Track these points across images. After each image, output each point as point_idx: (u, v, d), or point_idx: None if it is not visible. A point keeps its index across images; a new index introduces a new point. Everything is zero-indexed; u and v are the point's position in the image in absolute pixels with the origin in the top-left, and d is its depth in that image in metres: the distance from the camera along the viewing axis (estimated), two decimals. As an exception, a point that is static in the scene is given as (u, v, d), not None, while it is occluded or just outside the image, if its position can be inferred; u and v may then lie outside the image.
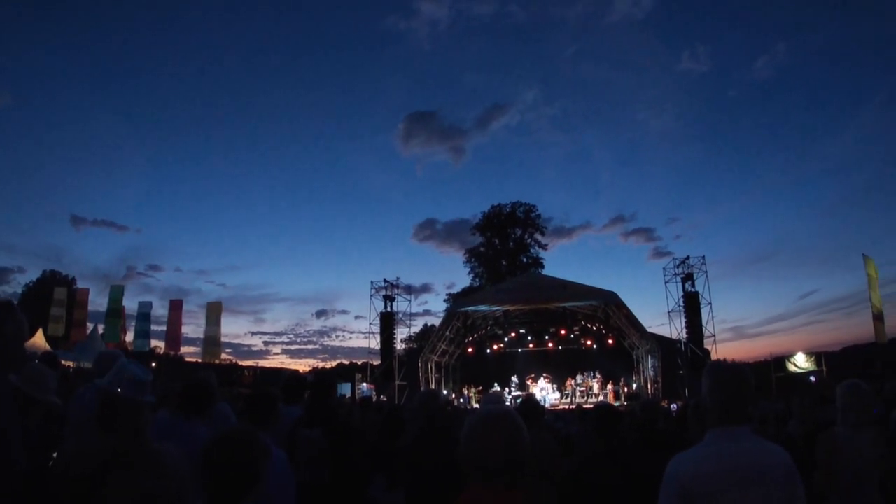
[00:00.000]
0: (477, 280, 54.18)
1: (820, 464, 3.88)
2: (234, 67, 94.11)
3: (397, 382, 27.01)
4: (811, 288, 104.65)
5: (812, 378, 25.88)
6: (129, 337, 32.12)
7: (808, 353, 28.74)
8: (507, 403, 22.05)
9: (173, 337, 30.59)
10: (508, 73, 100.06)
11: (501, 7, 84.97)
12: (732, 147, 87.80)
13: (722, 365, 2.63)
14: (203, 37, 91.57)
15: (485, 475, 1.84)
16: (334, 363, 76.34)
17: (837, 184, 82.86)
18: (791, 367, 28.49)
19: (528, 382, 28.38)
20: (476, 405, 23.50)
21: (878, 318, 24.47)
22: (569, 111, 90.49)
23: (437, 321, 44.34)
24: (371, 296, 28.67)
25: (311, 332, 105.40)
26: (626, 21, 79.35)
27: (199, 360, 30.51)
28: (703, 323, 25.59)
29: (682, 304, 26.36)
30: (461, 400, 26.91)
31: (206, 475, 2.01)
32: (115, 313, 29.71)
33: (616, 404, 22.49)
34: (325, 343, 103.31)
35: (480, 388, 28.39)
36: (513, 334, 31.37)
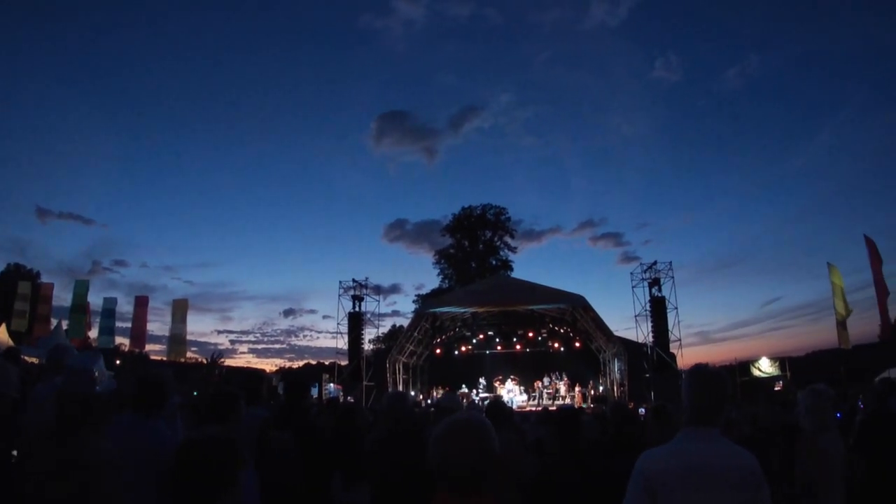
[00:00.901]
0: (446, 281, 54.21)
1: (799, 463, 3.97)
2: (206, 63, 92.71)
3: (365, 383, 26.81)
4: (776, 294, 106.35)
5: (777, 383, 26.35)
6: (94, 333, 31.44)
7: (773, 358, 29.25)
8: (476, 404, 22.09)
9: (138, 334, 30.04)
10: (483, 76, 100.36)
11: (478, 9, 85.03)
12: (702, 155, 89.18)
13: (696, 369, 2.68)
14: (175, 32, 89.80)
15: (452, 483, 1.81)
16: (301, 363, 75.59)
17: (803, 194, 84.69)
18: (755, 372, 28.97)
19: (496, 384, 28.47)
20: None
21: (842, 324, 24.97)
22: (542, 115, 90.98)
23: (405, 322, 44.22)
24: (339, 295, 28.45)
25: (278, 331, 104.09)
26: (601, 28, 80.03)
27: (164, 359, 29.96)
28: (670, 327, 25.97)
29: (648, 308, 26.67)
30: (428, 401, 26.87)
31: (178, 478, 1.94)
32: (79, 309, 28.88)
33: (583, 407, 22.71)
34: (293, 342, 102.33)
35: (448, 388, 28.37)
36: (481, 336, 31.37)
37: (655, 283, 26.56)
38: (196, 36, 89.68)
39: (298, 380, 4.97)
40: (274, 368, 57.74)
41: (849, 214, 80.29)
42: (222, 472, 1.95)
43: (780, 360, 28.99)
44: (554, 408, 19.98)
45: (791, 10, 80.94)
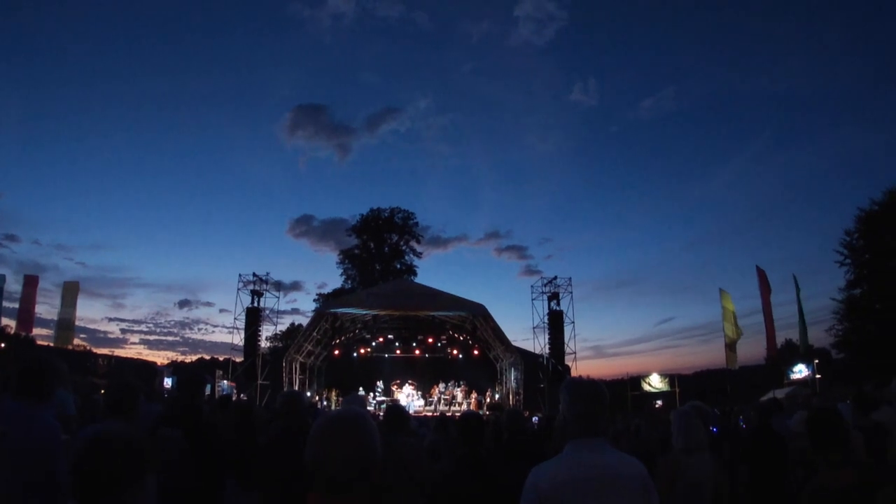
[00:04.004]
0: (349, 282, 53.61)
1: (658, 486, 4.11)
2: (113, 37, 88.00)
3: (260, 382, 26.08)
4: (669, 315, 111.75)
5: (658, 402, 27.54)
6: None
7: (663, 375, 30.72)
8: (371, 408, 21.95)
9: (26, 316, 28.13)
10: (405, 79, 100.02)
11: (408, 12, 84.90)
12: (609, 179, 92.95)
13: (578, 381, 2.72)
14: (87, 8, 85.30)
15: (329, 483, 1.74)
16: (194, 357, 72.85)
17: (703, 222, 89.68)
18: (646, 387, 30.34)
19: (394, 388, 28.49)
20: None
21: (731, 346, 26.49)
22: (458, 124, 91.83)
23: (304, 321, 43.49)
24: (238, 289, 27.54)
25: (172, 322, 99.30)
26: (527, 46, 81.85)
27: (51, 344, 28.15)
28: (566, 340, 26.77)
29: (546, 321, 27.41)
30: (323, 403, 26.51)
31: (80, 476, 1.81)
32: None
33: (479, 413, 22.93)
34: (186, 335, 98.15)
35: (337, 391, 28.13)
36: (380, 339, 31.29)
37: (555, 296, 27.36)
38: (105, 7, 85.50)
39: (194, 374, 4.76)
40: (165, 361, 55.53)
41: (743, 245, 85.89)
42: (129, 472, 1.84)
43: (670, 376, 30.49)
44: (450, 414, 20.10)
45: (707, 50, 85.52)
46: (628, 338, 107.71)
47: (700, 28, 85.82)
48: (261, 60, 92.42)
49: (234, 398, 20.02)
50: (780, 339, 27.35)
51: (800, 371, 26.61)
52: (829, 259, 27.74)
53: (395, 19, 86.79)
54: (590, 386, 2.65)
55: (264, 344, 30.12)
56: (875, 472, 2.79)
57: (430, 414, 24.20)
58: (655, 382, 30.33)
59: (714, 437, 7.93)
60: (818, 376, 25.24)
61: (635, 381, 31.18)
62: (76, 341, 31.99)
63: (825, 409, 3.34)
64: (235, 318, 27.57)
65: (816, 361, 25.96)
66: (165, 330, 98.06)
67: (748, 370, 33.95)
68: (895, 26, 76.61)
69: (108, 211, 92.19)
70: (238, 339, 27.26)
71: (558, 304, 27.26)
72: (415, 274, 53.20)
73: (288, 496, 4.19)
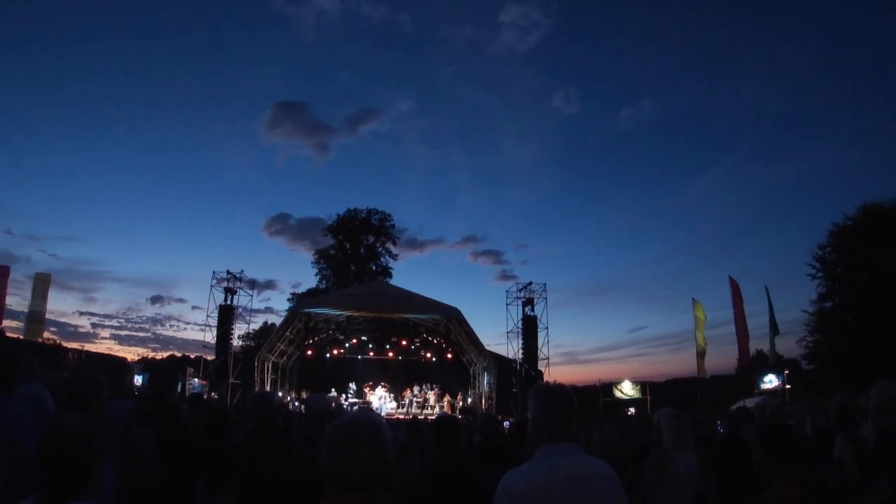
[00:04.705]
0: (324, 282, 53.34)
1: (645, 478, 4.14)
2: (94, 32, 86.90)
3: (231, 381, 25.78)
4: (643, 323, 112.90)
5: (631, 409, 27.78)
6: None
7: (635, 382, 31.06)
8: (345, 409, 21.81)
9: (-4, 308, 27.36)
10: (386, 80, 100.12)
11: (392, 14, 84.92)
12: (586, 187, 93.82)
13: (548, 387, 2.75)
14: (65, 1, 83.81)
15: (345, 486, 1.74)
16: (166, 354, 71.99)
17: (678, 233, 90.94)
18: (618, 394, 30.66)
19: (366, 390, 28.38)
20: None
21: (702, 355, 26.81)
22: (438, 128, 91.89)
23: (278, 320, 43.20)
24: (212, 286, 27.28)
25: (143, 318, 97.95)
26: (509, 52, 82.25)
27: (21, 337, 27.51)
28: (539, 346, 26.91)
29: (521, 326, 27.59)
30: (295, 403, 26.32)
31: (39, 466, 1.84)
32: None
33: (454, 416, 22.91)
34: (158, 332, 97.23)
35: (312, 391, 27.91)
36: (354, 341, 31.16)
37: (529, 302, 27.52)
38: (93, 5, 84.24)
39: (166, 372, 4.69)
40: (136, 358, 54.77)
41: (716, 256, 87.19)
42: (84, 464, 1.85)
43: (642, 384, 30.83)
44: (422, 417, 20.08)
45: (687, 64, 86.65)
46: (601, 345, 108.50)
47: (681, 41, 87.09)
48: (242, 56, 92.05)
49: (204, 397, 19.78)
50: (751, 350, 27.72)
51: (770, 381, 27.04)
52: (802, 272, 28.32)
53: (379, 20, 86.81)
54: (559, 391, 2.67)
55: (236, 342, 29.73)
56: (822, 487, 2.82)
57: (402, 417, 24.12)
58: (627, 389, 30.66)
59: (695, 443, 8.04)
60: (788, 386, 25.66)
61: (607, 387, 31.48)
62: (46, 335, 31.41)
63: (776, 423, 3.39)
64: (208, 316, 27.34)
65: (787, 372, 26.39)
66: (137, 325, 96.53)
67: (719, 379, 34.41)
68: (870, 45, 78.08)
69: (82, 203, 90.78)
70: (210, 336, 27.10)
71: (532, 309, 27.46)
72: (390, 276, 53.15)
73: (260, 496, 4.14)
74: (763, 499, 2.93)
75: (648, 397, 29.61)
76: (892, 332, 22.91)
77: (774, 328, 23.77)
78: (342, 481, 1.74)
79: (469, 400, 28.95)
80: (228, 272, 27.45)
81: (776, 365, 27.07)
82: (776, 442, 3.07)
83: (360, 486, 1.73)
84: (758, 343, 36.72)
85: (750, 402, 21.98)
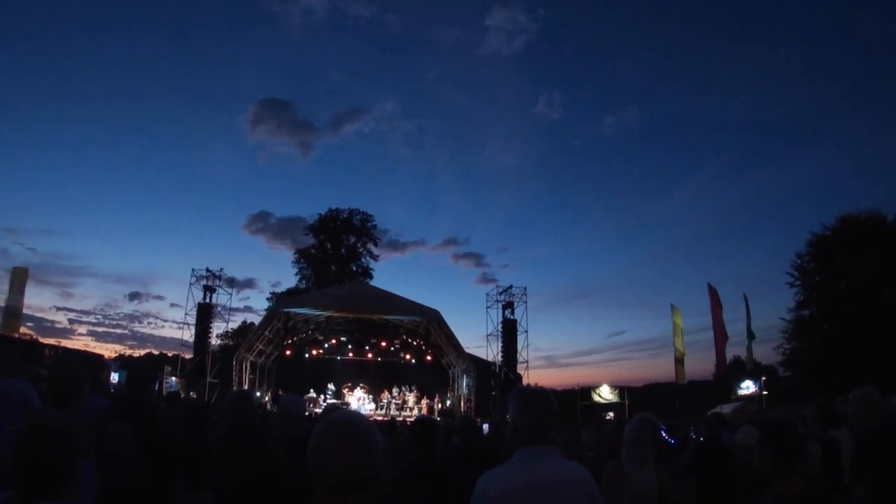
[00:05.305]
0: (304, 282, 53.07)
1: (604, 488, 4.16)
2: (75, 25, 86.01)
3: (209, 380, 25.47)
4: (622, 328, 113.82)
5: (610, 413, 27.95)
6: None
7: (613, 387, 31.30)
8: (319, 410, 21.66)
9: (-29, 301, 26.91)
10: (372, 81, 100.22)
11: (380, 14, 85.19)
12: (568, 192, 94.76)
13: (529, 389, 2.77)
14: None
15: (336, 487, 1.71)
16: (143, 351, 71.43)
17: (658, 239, 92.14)
18: (596, 398, 30.84)
19: (345, 391, 28.27)
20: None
21: (680, 361, 27.06)
22: (423, 129, 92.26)
23: (257, 319, 42.97)
24: (191, 284, 27.03)
25: (121, 314, 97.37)
26: (495, 56, 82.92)
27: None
28: (519, 349, 27.05)
29: (500, 329, 27.68)
30: (273, 403, 26.17)
31: (16, 462, 1.80)
32: None
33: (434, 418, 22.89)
34: (136, 329, 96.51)
35: (282, 391, 27.73)
36: (333, 341, 31.06)
37: (509, 305, 27.63)
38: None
39: (144, 370, 4.63)
40: (113, 355, 54.22)
41: (696, 263, 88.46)
42: (61, 463, 1.81)
43: (620, 388, 31.08)
44: (401, 418, 20.04)
45: (672, 71, 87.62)
46: (580, 349, 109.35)
47: (665, 49, 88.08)
48: (227, 53, 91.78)
49: (182, 395, 19.57)
50: (729, 356, 28.03)
51: (747, 387, 27.33)
52: (780, 280, 28.63)
53: (367, 19, 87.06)
54: (540, 394, 2.68)
55: (215, 341, 29.43)
56: (822, 484, 2.86)
57: (380, 418, 24.05)
58: (605, 394, 30.87)
59: (673, 448, 8.08)
60: (765, 393, 25.94)
61: (586, 391, 31.67)
62: (23, 329, 30.99)
63: (780, 421, 3.41)
64: (186, 314, 27.05)
65: (764, 378, 26.69)
66: (114, 322, 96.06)
67: (697, 385, 34.73)
68: (853, 57, 79.41)
69: (62, 197, 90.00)
70: (188, 334, 26.80)
71: (513, 312, 27.57)
72: (371, 277, 53.01)
73: (237, 496, 4.10)
74: (767, 494, 2.96)
75: (627, 402, 29.83)
76: (869, 340, 23.24)
77: (751, 334, 24.03)
78: (335, 481, 1.71)
79: (448, 402, 28.96)
80: (208, 270, 27.21)
81: (753, 371, 27.38)
82: (777, 441, 3.10)
83: (354, 486, 1.70)
84: (736, 349, 37.16)
85: (727, 408, 22.19)
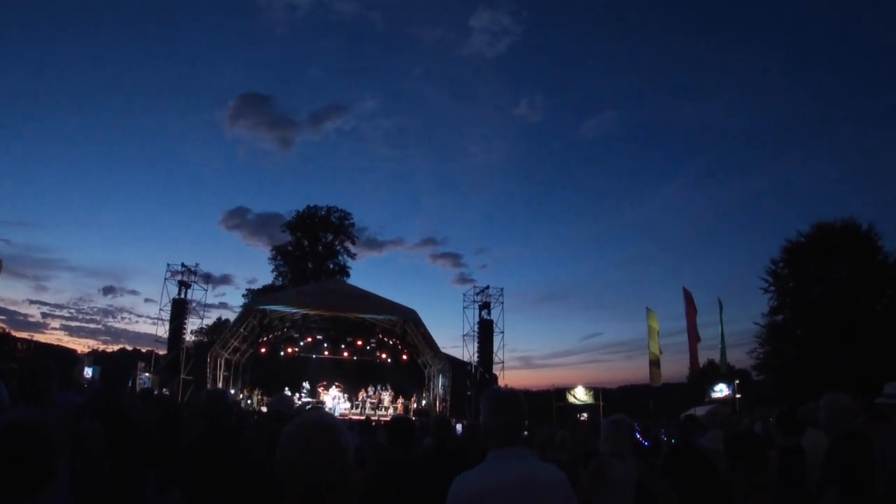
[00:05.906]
0: (280, 279, 52.72)
1: (584, 485, 4.20)
2: (52, 16, 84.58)
3: (183, 376, 25.11)
4: (597, 330, 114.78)
5: (584, 414, 28.14)
6: None
7: (588, 388, 31.49)
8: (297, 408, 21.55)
9: (-55, 293, 26.48)
10: (354, 78, 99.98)
11: (364, 11, 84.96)
12: (547, 194, 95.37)
13: (499, 391, 2.76)
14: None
15: (307, 488, 1.70)
16: (116, 347, 70.59)
17: (634, 243, 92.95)
18: (571, 399, 31.02)
19: (320, 390, 28.18)
20: (264, 409, 22.67)
21: (655, 363, 27.32)
22: (403, 128, 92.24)
23: (232, 315, 42.45)
24: (166, 279, 26.53)
25: (95, 309, 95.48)
26: (478, 57, 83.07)
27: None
28: (495, 349, 27.09)
29: (477, 329, 27.70)
30: (247, 402, 25.99)
31: None
32: None
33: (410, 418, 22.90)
34: (109, 324, 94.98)
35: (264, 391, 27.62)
36: (309, 339, 30.92)
37: (486, 306, 27.70)
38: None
39: (118, 366, 4.58)
40: (86, 350, 53.51)
41: (671, 267, 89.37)
42: (40, 462, 1.76)
43: (595, 390, 31.28)
44: (376, 418, 20.00)
45: (652, 78, 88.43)
46: (556, 350, 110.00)
47: (646, 56, 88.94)
48: (207, 46, 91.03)
49: (155, 392, 19.36)
50: (703, 360, 28.40)
51: (720, 390, 27.66)
52: (754, 285, 28.97)
53: (350, 16, 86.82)
54: (510, 395, 2.69)
55: (189, 337, 29.08)
56: (790, 495, 2.89)
57: (355, 417, 23.98)
58: (580, 395, 31.05)
59: (647, 450, 8.14)
60: (738, 396, 26.26)
61: (561, 392, 31.83)
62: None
63: (743, 432, 3.45)
64: (161, 309, 26.62)
65: (737, 382, 27.02)
66: (88, 317, 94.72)
67: (671, 387, 35.14)
68: (830, 66, 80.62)
69: (37, 189, 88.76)
70: (162, 330, 26.42)
71: (489, 313, 27.62)
72: (348, 275, 52.69)
73: (210, 495, 4.06)
74: None
75: (601, 403, 30.04)
76: (841, 345, 23.61)
77: (723, 338, 24.38)
78: (306, 482, 1.71)
79: (423, 402, 28.94)
80: (183, 265, 26.83)
81: (727, 375, 27.72)
82: (743, 454, 3.12)
83: (325, 487, 1.70)
84: (710, 353, 37.62)
85: (700, 411, 22.42)
